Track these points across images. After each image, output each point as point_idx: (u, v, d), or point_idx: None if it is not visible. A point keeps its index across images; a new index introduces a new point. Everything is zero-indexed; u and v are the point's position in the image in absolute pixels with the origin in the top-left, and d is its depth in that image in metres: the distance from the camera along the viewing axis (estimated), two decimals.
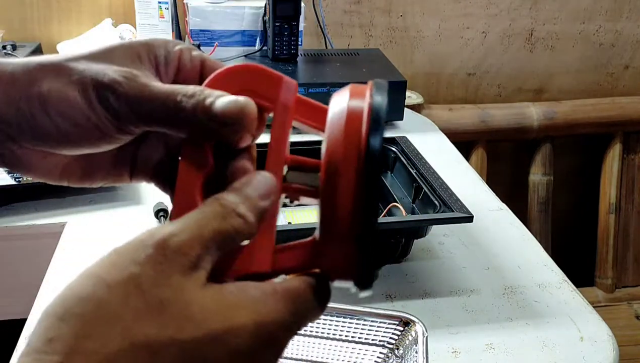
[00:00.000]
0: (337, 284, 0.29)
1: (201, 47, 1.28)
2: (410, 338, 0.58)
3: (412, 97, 1.53)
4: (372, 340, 0.59)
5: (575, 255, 1.82)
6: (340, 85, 1.20)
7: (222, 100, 0.28)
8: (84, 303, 0.23)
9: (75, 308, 0.23)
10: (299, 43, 1.32)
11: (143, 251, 0.24)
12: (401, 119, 1.22)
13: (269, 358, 0.26)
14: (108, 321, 0.22)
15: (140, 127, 0.30)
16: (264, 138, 0.30)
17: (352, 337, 0.59)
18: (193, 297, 0.24)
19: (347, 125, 0.27)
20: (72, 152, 0.32)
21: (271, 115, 0.30)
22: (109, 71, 0.29)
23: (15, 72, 0.30)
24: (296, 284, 0.28)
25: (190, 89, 0.29)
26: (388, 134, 1.12)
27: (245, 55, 1.34)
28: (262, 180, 0.28)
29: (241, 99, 0.28)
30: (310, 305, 0.28)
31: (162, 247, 0.24)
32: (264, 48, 1.35)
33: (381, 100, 0.27)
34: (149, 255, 0.24)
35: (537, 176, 1.78)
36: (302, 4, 1.30)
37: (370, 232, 0.26)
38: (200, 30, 1.35)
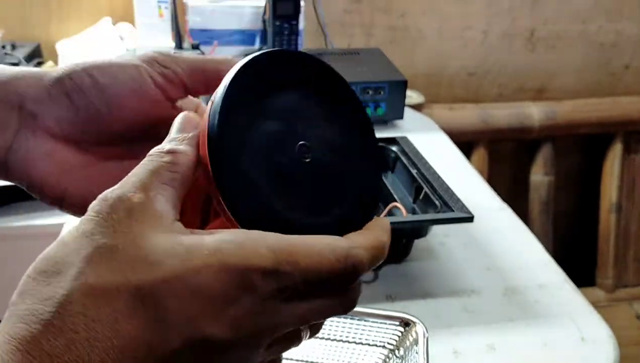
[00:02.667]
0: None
1: (201, 46, 1.28)
2: (410, 339, 0.58)
3: (412, 96, 1.53)
4: (373, 341, 0.59)
5: (576, 255, 1.82)
6: None
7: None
8: (45, 260, 0.24)
9: (38, 265, 0.24)
10: (299, 42, 1.32)
11: (91, 209, 0.25)
12: (401, 118, 1.22)
13: (248, 305, 0.24)
14: (62, 270, 0.23)
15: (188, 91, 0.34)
16: None
17: (353, 338, 0.59)
18: (144, 241, 0.24)
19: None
20: (114, 129, 0.34)
21: None
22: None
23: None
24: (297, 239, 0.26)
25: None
26: (389, 134, 1.12)
27: (245, 55, 1.34)
28: (178, 119, 0.30)
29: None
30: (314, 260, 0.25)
31: (105, 198, 0.25)
32: (264, 47, 1.35)
33: (224, 90, 0.28)
34: (97, 210, 0.25)
35: (538, 176, 1.78)
36: (302, 3, 1.30)
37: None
38: (200, 30, 1.35)
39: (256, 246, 0.24)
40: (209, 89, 0.33)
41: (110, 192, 0.25)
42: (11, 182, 0.34)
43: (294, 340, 0.28)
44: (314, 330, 0.29)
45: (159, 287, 0.23)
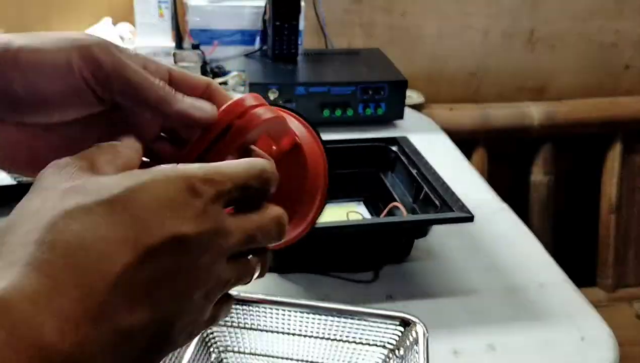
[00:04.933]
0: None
1: (201, 46, 1.28)
2: (410, 338, 0.58)
3: (412, 96, 1.53)
4: (373, 340, 0.59)
5: (576, 255, 1.82)
6: (341, 84, 1.20)
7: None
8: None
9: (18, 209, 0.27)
10: (299, 42, 1.32)
11: (46, 170, 0.28)
12: (402, 118, 1.22)
13: (200, 206, 0.27)
14: (39, 210, 0.26)
15: (115, 98, 0.32)
16: None
17: (352, 337, 0.59)
18: (101, 178, 0.27)
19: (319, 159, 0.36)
20: (37, 118, 0.32)
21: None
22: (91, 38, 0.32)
23: None
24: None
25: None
26: (389, 134, 1.12)
27: (245, 55, 1.34)
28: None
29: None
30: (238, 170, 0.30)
31: (56, 163, 0.28)
32: (264, 47, 1.35)
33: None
34: (68, 162, 0.28)
35: (538, 176, 1.78)
36: (302, 3, 1.30)
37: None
38: (200, 30, 1.35)
39: (188, 166, 0.29)
40: (135, 104, 0.33)
41: (60, 160, 0.28)
42: None
43: (245, 267, 0.31)
44: (262, 263, 0.32)
45: (127, 198, 0.26)
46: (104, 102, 0.32)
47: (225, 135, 0.32)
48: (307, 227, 0.36)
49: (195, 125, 0.33)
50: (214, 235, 0.28)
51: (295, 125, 0.36)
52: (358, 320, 0.59)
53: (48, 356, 0.22)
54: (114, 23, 1.46)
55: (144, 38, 1.35)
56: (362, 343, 0.59)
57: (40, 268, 0.24)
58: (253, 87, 1.15)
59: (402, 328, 0.58)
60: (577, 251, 1.85)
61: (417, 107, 1.47)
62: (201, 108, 0.33)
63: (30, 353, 0.22)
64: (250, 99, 0.34)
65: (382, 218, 0.85)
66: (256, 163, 0.31)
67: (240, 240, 0.29)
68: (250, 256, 0.31)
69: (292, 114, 0.37)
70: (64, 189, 0.26)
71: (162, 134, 0.36)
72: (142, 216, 0.26)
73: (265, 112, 0.33)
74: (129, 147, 0.31)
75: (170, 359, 0.55)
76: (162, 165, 0.28)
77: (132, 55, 0.33)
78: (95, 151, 0.29)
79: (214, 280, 0.29)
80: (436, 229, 0.86)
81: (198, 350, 0.59)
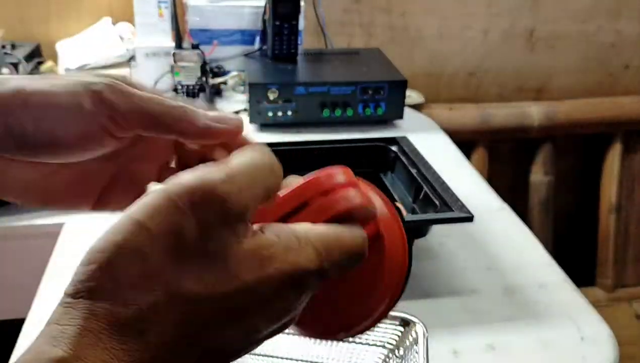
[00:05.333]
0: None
1: (200, 46, 1.28)
2: (410, 338, 0.58)
3: (412, 96, 1.53)
4: (372, 340, 0.59)
5: (576, 254, 1.82)
6: (340, 84, 1.19)
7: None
8: (125, 253, 0.23)
9: (118, 259, 0.23)
10: (299, 42, 1.32)
11: (188, 197, 0.24)
12: (401, 118, 1.22)
13: (294, 297, 0.27)
14: (150, 274, 0.23)
15: (133, 130, 0.31)
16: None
17: (352, 337, 0.59)
18: (233, 251, 0.25)
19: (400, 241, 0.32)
20: (54, 159, 0.32)
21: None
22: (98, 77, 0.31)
23: None
24: (328, 230, 0.28)
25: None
26: (389, 134, 1.12)
27: (245, 55, 1.34)
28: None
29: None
30: (343, 252, 0.28)
31: (210, 194, 0.24)
32: (264, 47, 1.35)
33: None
34: (194, 203, 0.24)
35: (538, 176, 1.78)
36: (302, 3, 1.30)
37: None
38: (200, 30, 1.35)
39: (303, 249, 0.27)
40: (158, 133, 0.31)
41: (219, 186, 0.25)
42: None
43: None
44: None
45: (235, 298, 0.25)
46: (122, 140, 0.32)
47: (300, 212, 0.29)
48: (372, 323, 0.32)
49: (221, 139, 0.32)
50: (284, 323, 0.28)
51: (379, 203, 0.32)
52: None
53: None
54: (114, 23, 1.46)
55: (143, 38, 1.35)
56: (361, 343, 0.59)
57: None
58: (253, 87, 1.15)
59: (402, 328, 0.58)
60: (576, 251, 1.85)
61: (417, 107, 1.47)
62: (225, 120, 0.32)
63: None
64: (341, 176, 0.30)
65: None
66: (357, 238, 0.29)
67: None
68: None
69: (376, 189, 0.33)
70: (184, 259, 0.24)
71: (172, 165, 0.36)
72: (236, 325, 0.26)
73: (355, 196, 0.30)
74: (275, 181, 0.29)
75: None
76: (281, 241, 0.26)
77: (143, 85, 0.32)
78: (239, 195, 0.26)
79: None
80: (436, 229, 0.86)
81: None
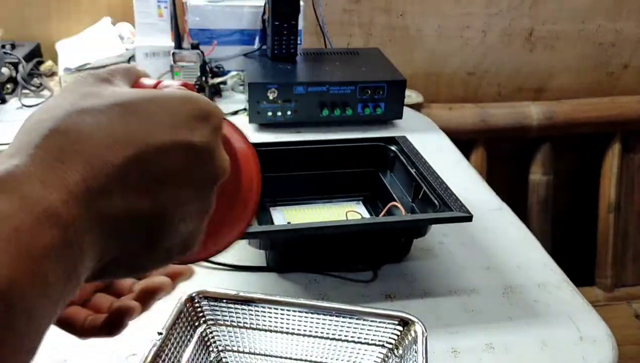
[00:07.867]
0: None
1: (200, 46, 1.28)
2: (409, 338, 0.58)
3: (411, 96, 1.53)
4: (372, 340, 0.59)
5: (575, 254, 1.82)
6: (340, 84, 1.19)
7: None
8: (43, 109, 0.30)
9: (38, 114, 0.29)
10: (299, 42, 1.32)
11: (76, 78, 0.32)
12: (401, 118, 1.22)
13: (208, 129, 0.31)
14: (58, 105, 0.29)
15: None
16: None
17: (352, 337, 0.59)
18: (126, 89, 0.32)
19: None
20: None
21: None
22: None
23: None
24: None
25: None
26: (388, 133, 1.12)
27: (244, 55, 1.34)
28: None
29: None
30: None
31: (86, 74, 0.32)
32: (263, 47, 1.35)
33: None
34: (90, 74, 0.32)
35: (537, 175, 1.78)
36: (302, 3, 1.30)
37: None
38: (199, 29, 1.35)
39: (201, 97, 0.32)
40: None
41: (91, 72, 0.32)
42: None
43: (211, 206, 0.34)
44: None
45: (141, 105, 0.29)
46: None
47: None
48: (238, 235, 0.37)
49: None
50: (215, 158, 0.31)
51: (235, 138, 0.38)
52: (357, 319, 0.59)
53: (55, 221, 0.25)
54: (114, 23, 1.46)
55: (143, 38, 1.35)
56: (361, 343, 0.59)
57: (51, 151, 0.26)
58: (252, 87, 1.15)
59: (401, 328, 0.58)
60: (576, 251, 1.85)
61: (416, 107, 1.47)
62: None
63: (42, 216, 0.24)
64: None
65: (381, 218, 0.85)
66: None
67: (223, 173, 0.32)
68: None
69: (234, 127, 0.38)
70: (83, 92, 0.30)
71: None
72: (153, 120, 0.29)
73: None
74: (142, 70, 0.35)
75: (170, 358, 0.55)
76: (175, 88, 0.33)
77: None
78: (114, 68, 0.33)
79: (208, 195, 0.32)
80: (435, 229, 0.86)
81: (197, 350, 0.59)
